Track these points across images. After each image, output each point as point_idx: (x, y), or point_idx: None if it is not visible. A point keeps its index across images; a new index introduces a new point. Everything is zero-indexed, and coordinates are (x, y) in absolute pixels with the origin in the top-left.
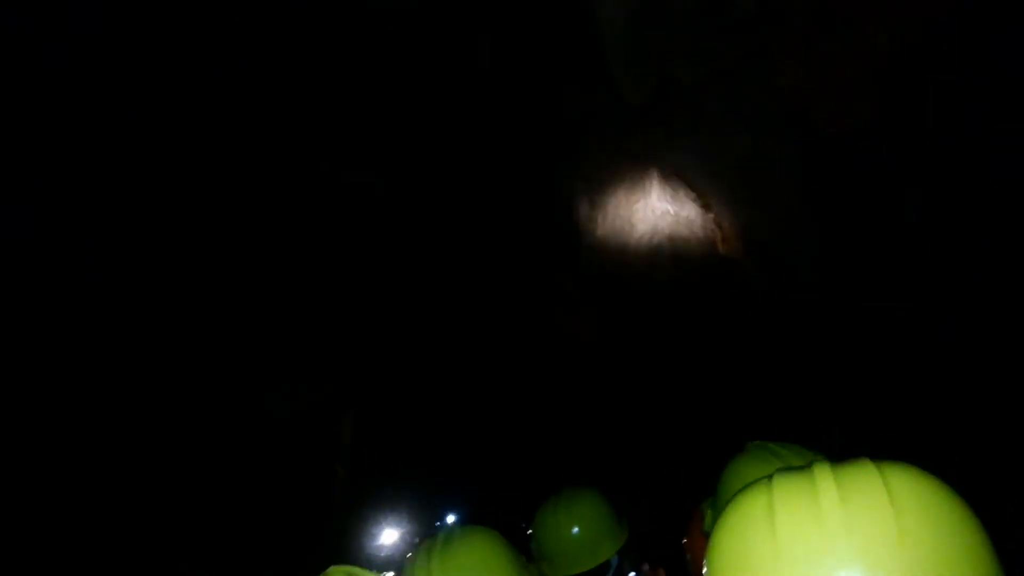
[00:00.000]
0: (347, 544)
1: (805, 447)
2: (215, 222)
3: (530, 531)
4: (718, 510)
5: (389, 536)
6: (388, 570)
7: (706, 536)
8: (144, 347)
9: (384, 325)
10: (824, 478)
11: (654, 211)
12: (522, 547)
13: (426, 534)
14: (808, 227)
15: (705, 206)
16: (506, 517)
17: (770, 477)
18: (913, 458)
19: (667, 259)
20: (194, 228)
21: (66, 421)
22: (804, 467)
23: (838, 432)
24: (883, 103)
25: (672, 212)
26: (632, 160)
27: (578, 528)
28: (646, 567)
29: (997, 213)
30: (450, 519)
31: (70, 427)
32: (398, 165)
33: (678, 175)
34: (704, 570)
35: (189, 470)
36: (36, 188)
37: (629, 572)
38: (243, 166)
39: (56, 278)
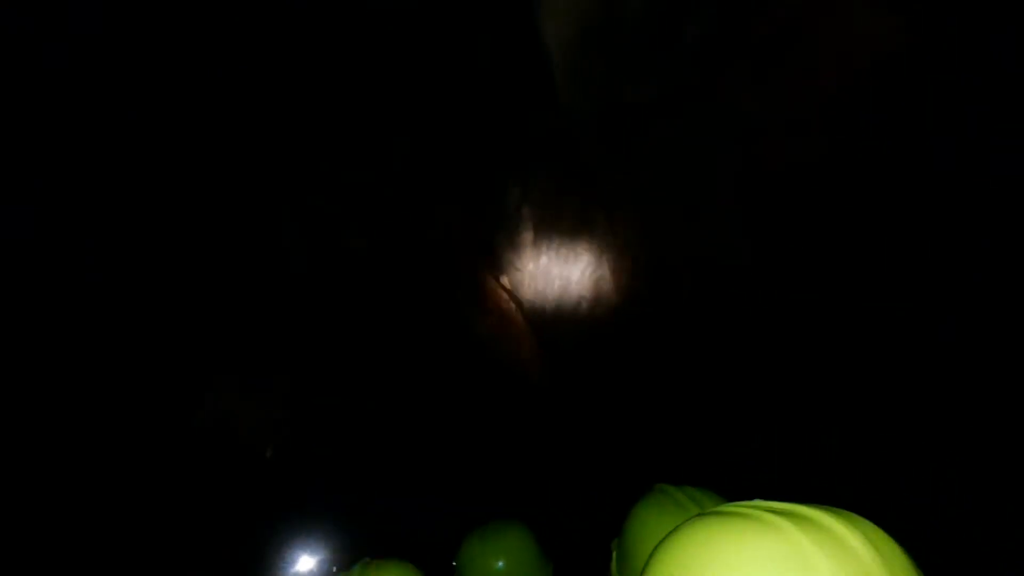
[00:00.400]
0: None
1: (715, 490)
2: (215, 222)
3: (455, 563)
4: (623, 552)
5: (305, 564)
6: None
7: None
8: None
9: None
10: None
11: (599, 238)
12: None
13: (344, 565)
14: (749, 254)
15: (648, 233)
16: (430, 548)
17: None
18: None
19: (608, 290)
20: (194, 227)
21: (66, 421)
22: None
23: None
24: (834, 138)
25: (615, 240)
26: (579, 185)
27: (503, 562)
28: None
29: (997, 213)
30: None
31: (69, 428)
32: (342, 190)
33: (623, 201)
34: None
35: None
36: (36, 188)
37: None
38: (243, 166)
39: (56, 278)
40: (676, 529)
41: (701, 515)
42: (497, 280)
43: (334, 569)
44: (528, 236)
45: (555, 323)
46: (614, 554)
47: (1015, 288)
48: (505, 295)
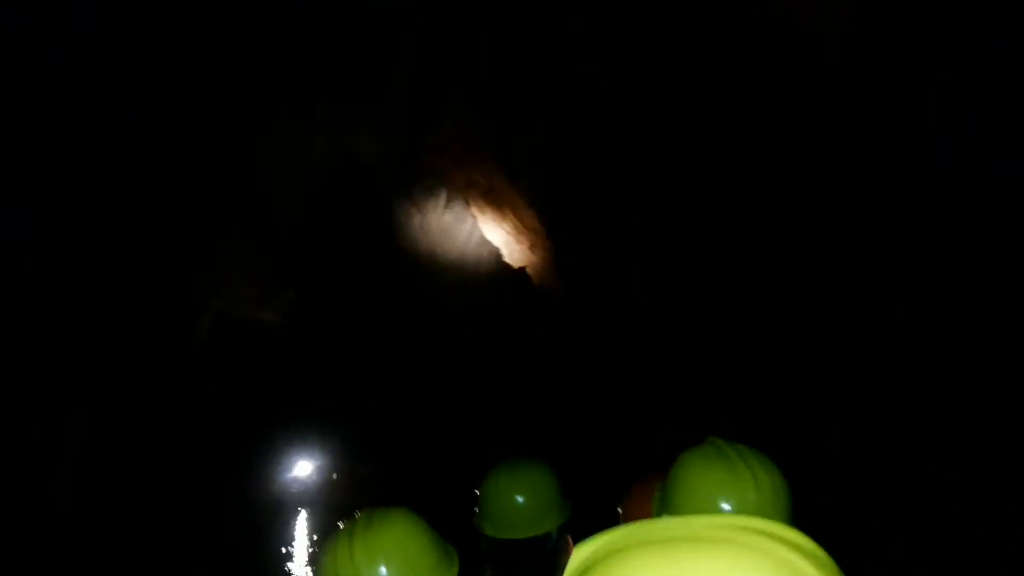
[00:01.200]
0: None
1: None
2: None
3: (477, 491)
4: (667, 497)
5: (303, 468)
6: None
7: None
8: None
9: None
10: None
11: (477, 233)
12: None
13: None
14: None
15: (526, 228)
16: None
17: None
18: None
19: (485, 277)
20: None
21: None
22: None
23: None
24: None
25: (497, 234)
26: (459, 186)
27: (523, 497)
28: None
29: (997, 213)
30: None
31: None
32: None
33: (510, 200)
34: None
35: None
36: (36, 188)
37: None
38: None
39: (56, 278)
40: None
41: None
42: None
43: (334, 475)
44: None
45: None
46: (657, 495)
47: (1015, 288)
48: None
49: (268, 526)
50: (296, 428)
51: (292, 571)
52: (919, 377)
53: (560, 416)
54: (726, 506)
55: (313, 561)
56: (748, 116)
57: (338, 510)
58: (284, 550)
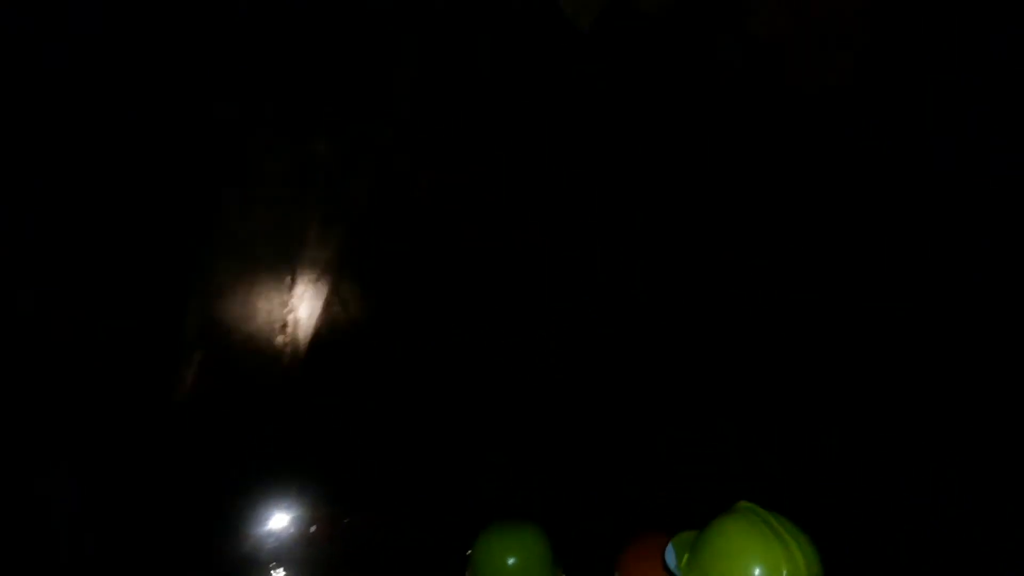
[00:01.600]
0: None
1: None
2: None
3: (469, 552)
4: (699, 556)
5: (279, 520)
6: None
7: (669, 572)
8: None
9: None
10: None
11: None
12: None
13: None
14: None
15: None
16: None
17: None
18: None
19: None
20: (193, 228)
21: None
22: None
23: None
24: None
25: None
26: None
27: (515, 559)
28: None
29: (997, 213)
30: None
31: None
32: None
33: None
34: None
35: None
36: (36, 188)
37: None
38: (242, 166)
39: (56, 277)
40: None
41: None
42: None
43: (312, 528)
44: None
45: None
46: (686, 556)
47: (1015, 288)
48: None
49: None
50: (272, 474)
51: None
52: (919, 377)
53: (557, 440)
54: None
55: None
56: (748, 116)
57: (316, 566)
58: None
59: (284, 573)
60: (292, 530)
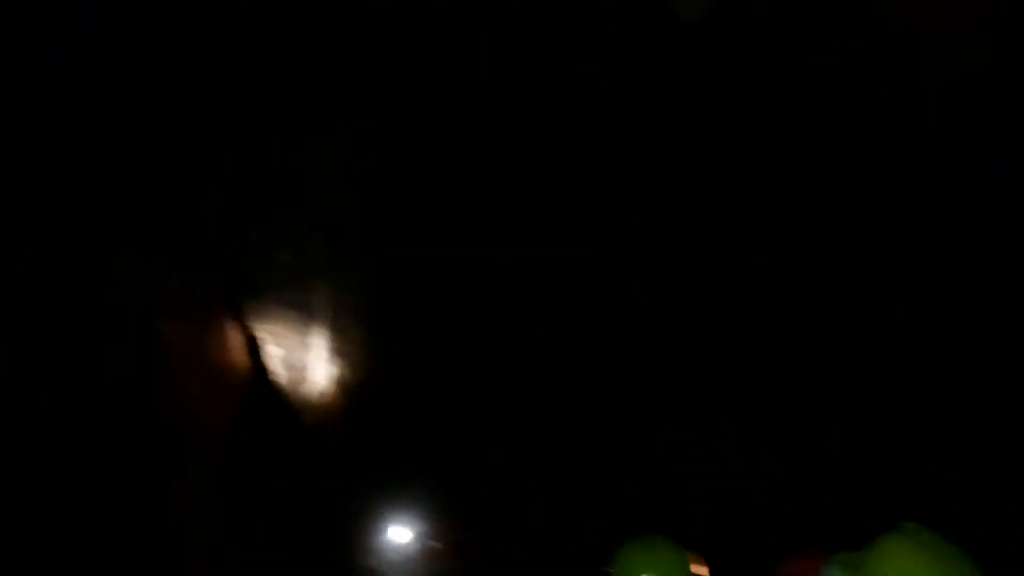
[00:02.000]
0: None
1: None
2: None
3: (610, 569)
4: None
5: (400, 535)
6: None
7: None
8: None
9: None
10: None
11: None
12: None
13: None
14: None
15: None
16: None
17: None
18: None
19: None
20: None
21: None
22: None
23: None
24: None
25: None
26: None
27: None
28: None
29: (997, 213)
30: None
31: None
32: None
33: None
34: None
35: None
36: (37, 187)
37: None
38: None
39: (56, 276)
40: None
41: None
42: None
43: (433, 543)
44: None
45: None
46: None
47: (1015, 288)
48: None
49: None
50: (389, 490)
51: None
52: (919, 377)
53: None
54: None
55: None
56: (747, 116)
57: None
58: None
59: None
60: (413, 545)
